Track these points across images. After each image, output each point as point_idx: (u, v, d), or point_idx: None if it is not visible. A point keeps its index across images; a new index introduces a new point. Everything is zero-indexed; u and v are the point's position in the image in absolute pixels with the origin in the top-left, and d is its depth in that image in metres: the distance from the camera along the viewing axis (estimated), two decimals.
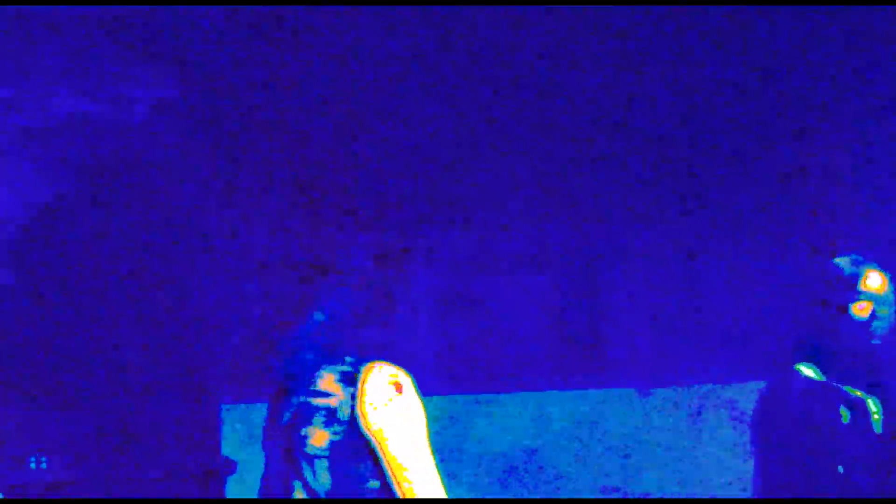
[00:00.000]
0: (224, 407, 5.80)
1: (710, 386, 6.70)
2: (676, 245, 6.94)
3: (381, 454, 3.33)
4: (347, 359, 3.37)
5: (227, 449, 5.69)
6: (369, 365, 3.40)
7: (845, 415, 4.69)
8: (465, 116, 6.67)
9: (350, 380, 3.36)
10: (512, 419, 6.32)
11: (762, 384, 5.22)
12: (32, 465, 5.43)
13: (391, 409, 3.34)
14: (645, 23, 6.69)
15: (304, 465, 3.35)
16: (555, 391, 6.36)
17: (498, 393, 6.55)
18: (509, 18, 6.44)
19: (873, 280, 4.75)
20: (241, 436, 5.64)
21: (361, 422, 3.34)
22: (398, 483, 3.34)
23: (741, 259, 6.98)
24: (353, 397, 3.34)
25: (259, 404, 5.29)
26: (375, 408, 3.34)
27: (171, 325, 5.64)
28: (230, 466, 5.47)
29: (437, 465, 3.47)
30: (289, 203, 5.98)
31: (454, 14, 6.37)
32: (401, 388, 3.40)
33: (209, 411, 5.71)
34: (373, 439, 3.32)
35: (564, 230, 6.85)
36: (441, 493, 3.40)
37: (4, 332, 5.52)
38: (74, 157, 5.60)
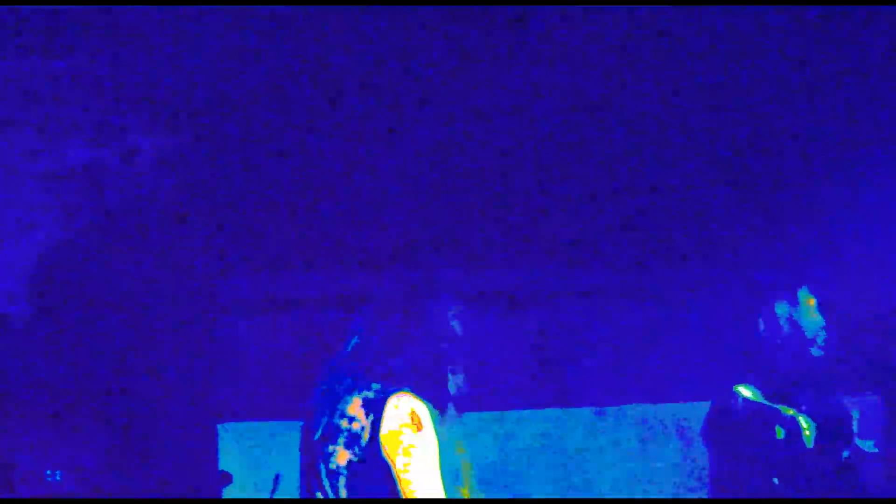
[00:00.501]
0: (222, 426, 5.97)
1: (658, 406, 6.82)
2: (629, 284, 6.99)
3: (396, 479, 3.49)
4: (374, 385, 3.55)
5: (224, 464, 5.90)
6: (393, 395, 3.57)
7: (779, 431, 5.05)
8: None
9: (374, 407, 3.53)
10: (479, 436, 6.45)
11: (707, 404, 5.61)
12: (48, 479, 5.54)
13: (408, 441, 3.49)
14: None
15: (325, 478, 3.56)
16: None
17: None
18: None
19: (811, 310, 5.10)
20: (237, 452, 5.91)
21: (382, 448, 3.51)
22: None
23: (689, 294, 7.01)
24: (375, 424, 3.52)
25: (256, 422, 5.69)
26: (393, 438, 3.50)
27: (181, 354, 5.83)
28: (227, 480, 5.65)
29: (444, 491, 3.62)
30: (320, 240, 6.20)
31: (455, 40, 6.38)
32: (419, 423, 3.57)
33: (208, 429, 5.88)
34: (391, 465, 3.49)
35: (532, 271, 6.83)
36: None
37: (23, 356, 5.66)
38: (86, 201, 5.80)
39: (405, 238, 6.25)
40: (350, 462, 3.54)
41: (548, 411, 6.65)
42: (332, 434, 3.58)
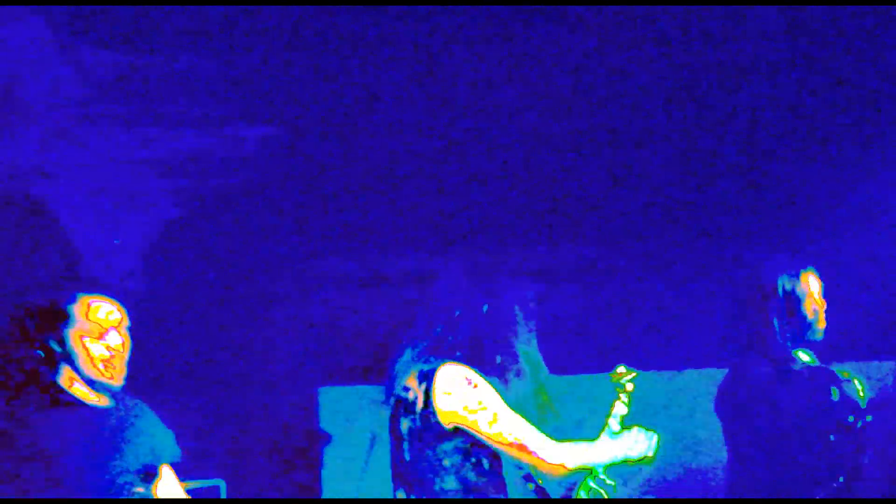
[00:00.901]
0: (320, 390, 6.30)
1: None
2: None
3: (475, 435, 3.62)
4: (431, 359, 3.70)
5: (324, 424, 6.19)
6: (441, 365, 3.70)
7: (835, 392, 5.31)
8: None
9: (426, 377, 3.66)
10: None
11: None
12: None
13: (462, 398, 3.61)
14: None
15: (394, 443, 3.75)
16: None
17: None
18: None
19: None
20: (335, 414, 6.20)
21: (437, 414, 3.62)
22: (507, 450, 3.66)
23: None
24: (427, 392, 3.64)
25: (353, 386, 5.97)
26: (446, 398, 3.60)
27: (280, 324, 6.19)
28: (326, 439, 6.03)
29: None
30: (391, 225, 6.44)
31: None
32: (473, 383, 3.66)
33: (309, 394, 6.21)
34: (457, 425, 3.60)
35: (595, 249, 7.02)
36: (544, 440, 3.67)
37: (139, 327, 6.02)
38: (194, 185, 6.15)
39: (474, 222, 6.45)
40: (409, 429, 3.69)
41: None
42: (395, 404, 3.76)
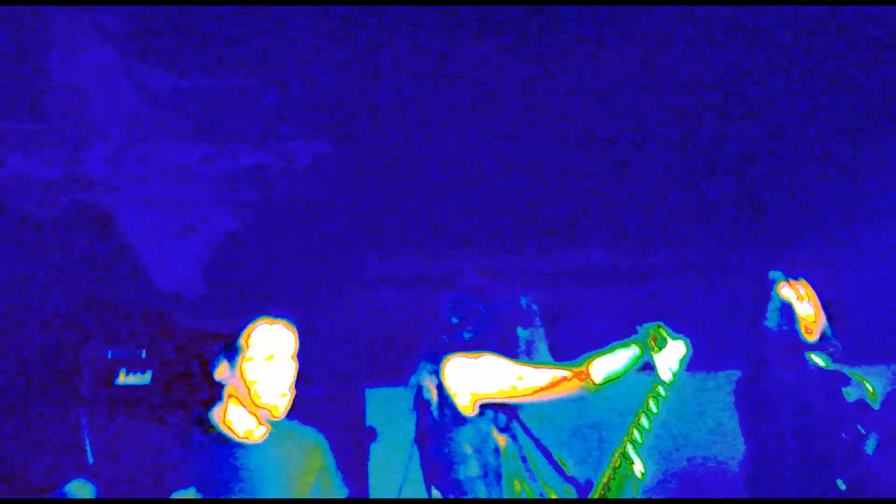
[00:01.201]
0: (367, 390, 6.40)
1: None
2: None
3: (499, 398, 3.74)
4: (442, 357, 3.82)
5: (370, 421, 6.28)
6: (447, 358, 3.83)
7: (848, 393, 5.30)
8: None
9: (435, 372, 3.84)
10: None
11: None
12: None
13: (472, 375, 3.74)
14: None
15: (420, 443, 4.00)
16: None
17: None
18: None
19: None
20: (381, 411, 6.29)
21: (452, 398, 3.76)
22: (533, 397, 3.77)
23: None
24: (440, 388, 3.80)
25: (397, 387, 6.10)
26: (458, 381, 3.75)
27: (326, 328, 6.21)
28: (373, 435, 6.10)
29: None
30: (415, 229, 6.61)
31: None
32: (476, 359, 3.78)
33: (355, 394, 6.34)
34: (477, 401, 3.73)
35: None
36: (558, 370, 3.77)
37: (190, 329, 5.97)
38: (254, 196, 6.34)
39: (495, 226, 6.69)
40: (429, 425, 3.91)
41: None
42: (416, 405, 3.97)
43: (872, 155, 6.86)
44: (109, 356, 5.58)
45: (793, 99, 6.97)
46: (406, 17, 6.31)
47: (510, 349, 3.92)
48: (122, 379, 5.59)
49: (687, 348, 4.02)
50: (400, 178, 6.64)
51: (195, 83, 6.26)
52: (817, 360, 5.29)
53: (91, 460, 5.50)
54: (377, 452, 6.14)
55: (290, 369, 3.91)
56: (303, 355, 6.31)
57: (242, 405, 3.79)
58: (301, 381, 6.17)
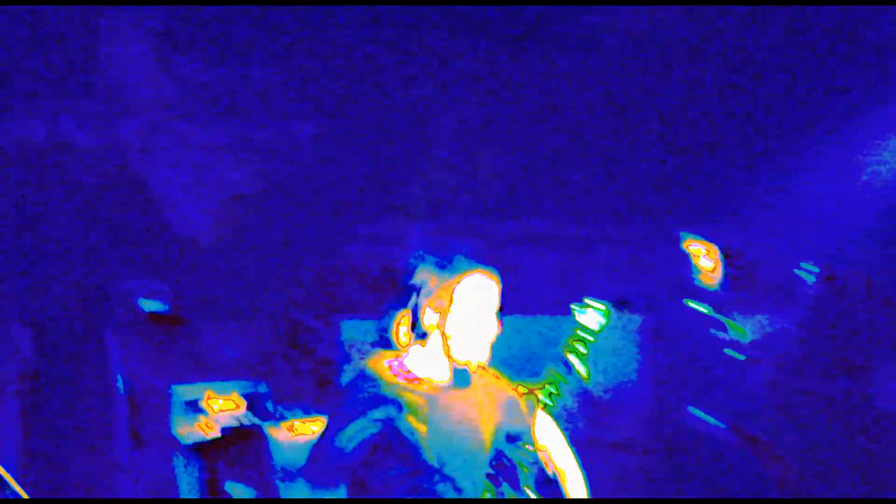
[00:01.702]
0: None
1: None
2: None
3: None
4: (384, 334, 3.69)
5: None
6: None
7: (720, 333, 5.84)
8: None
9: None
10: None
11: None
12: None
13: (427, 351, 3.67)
14: None
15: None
16: None
17: None
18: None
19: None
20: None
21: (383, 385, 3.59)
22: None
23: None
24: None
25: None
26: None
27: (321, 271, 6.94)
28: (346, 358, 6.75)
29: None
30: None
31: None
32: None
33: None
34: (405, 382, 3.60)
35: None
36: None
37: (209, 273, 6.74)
38: (259, 164, 6.97)
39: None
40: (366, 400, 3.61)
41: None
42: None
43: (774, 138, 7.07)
44: (135, 287, 6.29)
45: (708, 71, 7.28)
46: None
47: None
48: (145, 306, 6.25)
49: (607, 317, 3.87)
50: (379, 151, 7.17)
51: (213, 72, 6.81)
52: (699, 307, 5.78)
53: (119, 374, 6.10)
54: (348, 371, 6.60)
55: (493, 324, 3.72)
56: (309, 295, 7.11)
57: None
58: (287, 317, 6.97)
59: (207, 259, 6.87)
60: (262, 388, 6.27)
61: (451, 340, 3.63)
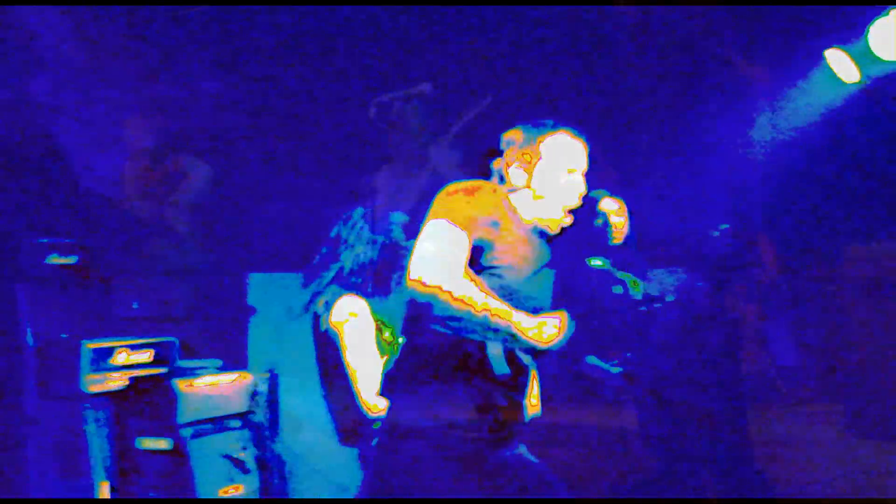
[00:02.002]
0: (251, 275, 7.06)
1: None
2: None
3: (342, 350, 4.32)
4: (332, 288, 4.53)
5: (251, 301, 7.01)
6: (340, 297, 4.40)
7: (618, 288, 5.66)
8: None
9: (328, 305, 4.39)
10: None
11: None
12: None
13: (347, 326, 4.24)
14: None
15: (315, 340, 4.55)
16: None
17: None
18: None
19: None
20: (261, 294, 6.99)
21: (333, 329, 4.35)
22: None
23: None
24: (327, 316, 4.37)
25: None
26: (339, 325, 4.26)
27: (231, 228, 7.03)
28: (253, 311, 6.95)
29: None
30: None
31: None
32: (356, 315, 4.35)
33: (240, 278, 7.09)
34: (339, 341, 4.29)
35: None
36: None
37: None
38: (164, 126, 7.04)
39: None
40: (318, 333, 4.44)
41: None
42: (313, 317, 4.51)
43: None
44: (44, 242, 6.28)
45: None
46: None
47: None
48: (54, 260, 6.27)
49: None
50: (296, 112, 7.22)
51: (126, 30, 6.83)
52: (597, 262, 5.49)
53: (28, 327, 6.12)
54: (255, 324, 6.88)
55: (580, 183, 3.87)
56: (218, 249, 7.17)
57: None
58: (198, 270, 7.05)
59: (117, 214, 6.94)
60: (172, 342, 6.33)
61: (536, 199, 3.81)
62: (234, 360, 6.58)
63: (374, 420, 4.39)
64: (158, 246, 7.10)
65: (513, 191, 3.85)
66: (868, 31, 5.76)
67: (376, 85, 7.20)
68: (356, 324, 4.33)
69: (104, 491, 5.85)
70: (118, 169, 7.14)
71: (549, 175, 3.87)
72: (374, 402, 4.38)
